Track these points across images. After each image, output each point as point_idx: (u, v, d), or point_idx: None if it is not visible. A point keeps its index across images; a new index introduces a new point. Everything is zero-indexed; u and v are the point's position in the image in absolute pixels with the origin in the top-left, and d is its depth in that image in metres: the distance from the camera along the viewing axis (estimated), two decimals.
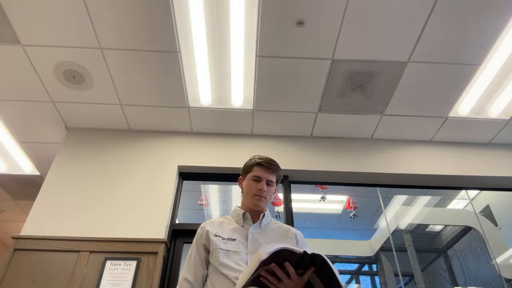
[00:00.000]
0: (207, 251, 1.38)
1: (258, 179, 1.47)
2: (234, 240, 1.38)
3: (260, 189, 1.45)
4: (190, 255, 1.42)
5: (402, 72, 2.84)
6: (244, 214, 1.47)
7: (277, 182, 1.53)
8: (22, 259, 2.54)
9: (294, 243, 1.41)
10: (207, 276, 1.36)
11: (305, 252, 0.97)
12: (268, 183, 1.48)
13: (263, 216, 1.47)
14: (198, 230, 1.45)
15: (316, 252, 0.99)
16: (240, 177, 1.57)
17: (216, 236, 1.38)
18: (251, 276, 1.01)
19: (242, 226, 1.44)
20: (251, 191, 1.47)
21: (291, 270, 1.01)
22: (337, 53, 2.69)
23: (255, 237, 1.40)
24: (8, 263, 2.51)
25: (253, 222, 1.46)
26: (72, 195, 2.92)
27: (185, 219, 3.14)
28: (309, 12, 2.43)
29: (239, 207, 1.53)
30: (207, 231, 1.41)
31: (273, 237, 1.43)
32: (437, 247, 3.90)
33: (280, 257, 0.99)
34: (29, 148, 3.65)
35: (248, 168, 1.53)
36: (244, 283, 1.04)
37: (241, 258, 1.32)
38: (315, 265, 1.02)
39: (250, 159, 1.55)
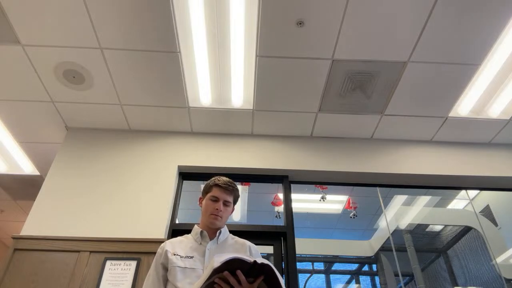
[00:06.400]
0: (165, 269, 1.46)
1: (215, 199, 1.56)
2: (191, 257, 1.45)
3: (217, 209, 1.54)
4: (148, 274, 1.49)
5: (402, 72, 2.84)
6: (201, 232, 1.55)
7: (234, 202, 1.64)
8: (22, 259, 2.54)
9: (248, 256, 1.50)
10: None
11: (255, 261, 1.10)
12: (225, 203, 1.57)
13: (220, 232, 1.56)
14: (158, 250, 1.53)
15: (265, 262, 1.12)
16: (200, 196, 1.65)
17: (174, 254, 1.46)
18: (205, 282, 1.12)
19: (200, 243, 1.53)
20: (208, 210, 1.55)
21: (242, 277, 1.13)
22: (337, 53, 2.69)
23: (212, 252, 1.48)
24: (8, 263, 2.51)
25: (211, 239, 1.52)
26: (72, 195, 2.92)
27: (185, 219, 3.14)
28: (309, 12, 2.43)
29: (198, 225, 1.60)
30: (166, 250, 1.49)
31: (230, 251, 1.50)
32: (437, 247, 3.89)
33: (232, 265, 1.12)
34: (29, 148, 3.65)
35: (207, 188, 1.62)
36: None
37: (197, 275, 1.39)
38: (264, 274, 1.15)
39: (210, 180, 1.64)
